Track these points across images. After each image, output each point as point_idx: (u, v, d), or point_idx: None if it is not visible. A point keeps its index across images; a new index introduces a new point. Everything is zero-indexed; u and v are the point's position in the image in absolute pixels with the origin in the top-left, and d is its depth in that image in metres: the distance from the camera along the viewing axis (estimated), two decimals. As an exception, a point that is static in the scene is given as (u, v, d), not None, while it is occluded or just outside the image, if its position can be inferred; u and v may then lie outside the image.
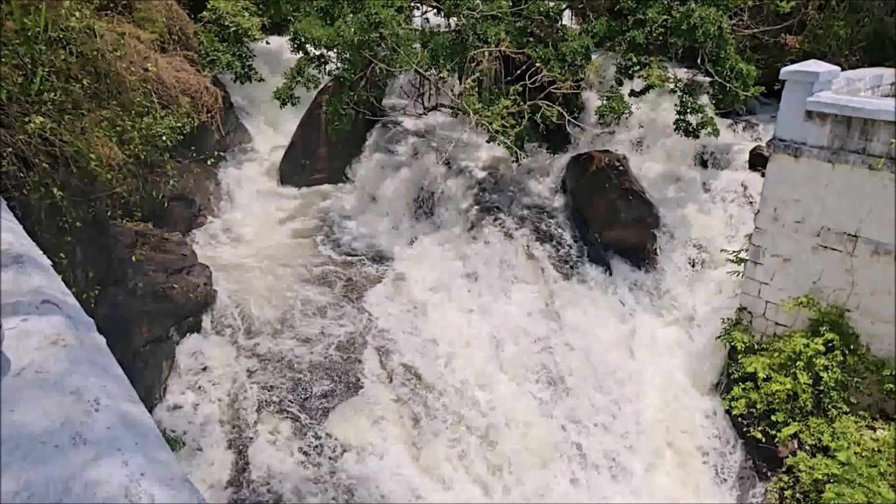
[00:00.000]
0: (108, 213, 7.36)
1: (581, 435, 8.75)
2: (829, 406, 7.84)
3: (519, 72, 11.27)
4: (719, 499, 8.31)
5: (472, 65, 10.61)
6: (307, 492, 7.41)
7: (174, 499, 1.96)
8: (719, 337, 9.17)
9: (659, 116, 12.34)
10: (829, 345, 7.91)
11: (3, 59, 5.25)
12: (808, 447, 7.77)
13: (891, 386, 7.66)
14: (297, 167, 13.55)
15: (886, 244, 7.57)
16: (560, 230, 11.35)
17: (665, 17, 9.92)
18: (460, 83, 11.18)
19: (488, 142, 11.08)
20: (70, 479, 1.99)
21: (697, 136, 10.74)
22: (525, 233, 11.11)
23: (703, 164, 11.64)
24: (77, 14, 6.22)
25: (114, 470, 2.02)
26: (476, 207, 11.64)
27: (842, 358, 7.84)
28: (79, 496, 1.93)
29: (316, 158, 13.48)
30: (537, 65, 10.70)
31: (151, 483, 1.99)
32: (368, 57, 10.67)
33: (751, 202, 10.63)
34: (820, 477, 7.32)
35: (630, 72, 10.69)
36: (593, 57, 11.28)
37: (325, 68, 11.48)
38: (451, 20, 11.81)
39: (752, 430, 8.30)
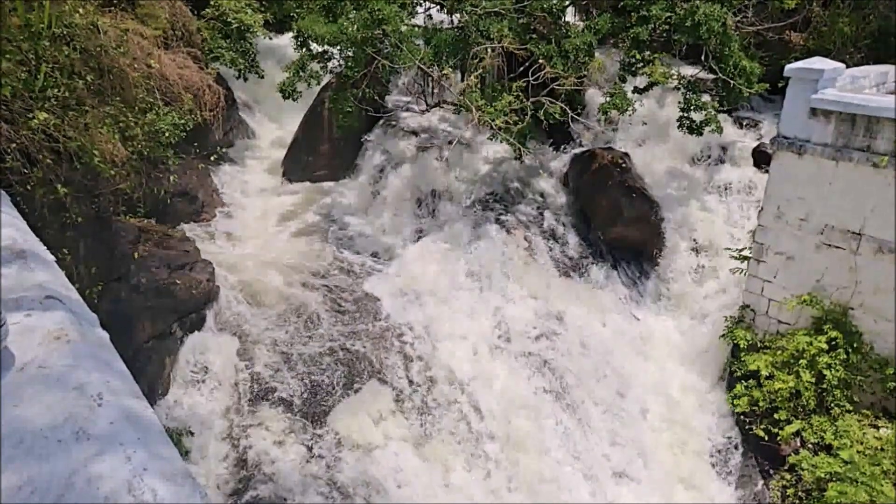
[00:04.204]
0: (112, 210, 7.37)
1: (583, 432, 8.75)
2: (832, 404, 7.82)
3: (522, 68, 11.24)
4: (721, 497, 8.31)
5: (475, 61, 10.58)
6: (308, 488, 7.42)
7: (177, 494, 1.97)
8: (722, 335, 9.15)
9: (662, 113, 12.31)
10: (832, 343, 7.89)
11: (7, 55, 5.26)
12: (810, 445, 7.76)
13: (894, 384, 7.63)
14: (300, 164, 13.55)
15: (890, 242, 7.55)
16: (563, 228, 11.34)
17: (669, 13, 9.88)
18: (463, 80, 11.15)
19: (491, 139, 11.06)
20: (73, 474, 1.99)
21: (701, 134, 10.70)
22: (528, 230, 11.10)
23: (707, 161, 11.61)
24: (81, 10, 6.23)
25: (117, 465, 2.03)
26: (478, 205, 11.63)
27: (845, 356, 7.81)
28: (81, 491, 1.94)
29: (318, 155, 13.48)
30: (540, 61, 10.66)
31: (154, 478, 1.99)
32: (371, 54, 10.66)
33: (753, 199, 10.60)
34: (822, 475, 7.31)
35: (633, 69, 10.66)
36: (596, 54, 11.24)
37: (327, 65, 11.47)
38: (453, 17, 11.79)
39: (754, 427, 8.29)
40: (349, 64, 10.91)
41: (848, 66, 8.56)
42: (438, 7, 12.32)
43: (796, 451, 7.81)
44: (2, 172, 5.03)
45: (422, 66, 10.82)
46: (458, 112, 12.38)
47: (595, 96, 12.57)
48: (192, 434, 7.65)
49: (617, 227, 11.03)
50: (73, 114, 5.74)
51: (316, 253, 11.03)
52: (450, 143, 11.80)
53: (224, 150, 13.04)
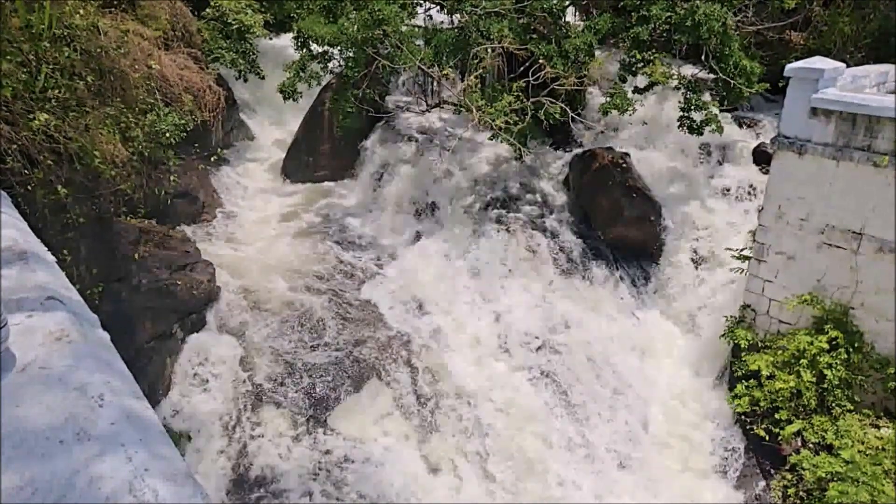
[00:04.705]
0: (112, 210, 7.38)
1: (584, 431, 8.74)
2: (833, 404, 7.81)
3: (522, 69, 11.24)
4: (723, 497, 8.30)
5: (475, 62, 10.59)
6: (309, 487, 7.42)
7: (178, 494, 1.97)
8: (723, 334, 9.15)
9: (662, 113, 12.30)
10: (833, 343, 7.89)
11: (7, 57, 5.26)
12: (811, 445, 7.75)
13: (894, 384, 7.63)
14: (300, 164, 13.56)
15: (890, 242, 7.54)
16: (563, 228, 11.34)
17: (669, 13, 9.88)
18: (463, 80, 11.16)
19: (491, 139, 11.07)
20: (74, 475, 2.00)
21: (701, 134, 10.70)
22: (528, 230, 11.10)
23: (707, 161, 11.60)
24: (81, 11, 6.24)
25: (118, 465, 2.03)
26: (479, 205, 11.63)
27: (846, 356, 7.81)
28: (83, 491, 1.94)
29: (319, 155, 13.49)
30: (540, 61, 10.67)
31: (155, 478, 2.00)
32: (371, 54, 10.67)
33: (754, 199, 10.60)
34: (823, 475, 7.30)
35: (633, 68, 10.65)
36: (597, 54, 11.24)
37: (328, 66, 11.48)
38: (453, 17, 11.80)
39: (755, 427, 8.28)
40: (349, 64, 10.92)
41: (848, 66, 8.55)
42: (438, 7, 12.33)
43: (797, 451, 7.80)
44: (3, 173, 5.03)
45: (422, 66, 10.83)
46: (458, 112, 12.39)
47: (595, 96, 12.58)
48: (191, 434, 7.65)
49: (617, 227, 11.03)
50: (73, 115, 5.75)
51: (317, 254, 11.03)
52: (450, 143, 11.80)
53: (224, 150, 13.06)
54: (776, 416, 8.05)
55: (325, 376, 8.51)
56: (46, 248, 3.83)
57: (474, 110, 10.11)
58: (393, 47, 10.47)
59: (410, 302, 10.11)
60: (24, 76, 5.39)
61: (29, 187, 5.23)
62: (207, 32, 12.43)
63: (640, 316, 10.55)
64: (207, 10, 12.67)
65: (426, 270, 10.76)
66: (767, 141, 10.67)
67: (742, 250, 9.38)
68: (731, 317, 9.21)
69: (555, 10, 10.83)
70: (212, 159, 11.52)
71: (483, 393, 8.84)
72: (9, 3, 5.50)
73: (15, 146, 5.13)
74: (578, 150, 12.36)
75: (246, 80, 13.42)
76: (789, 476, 7.81)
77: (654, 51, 10.45)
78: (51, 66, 5.63)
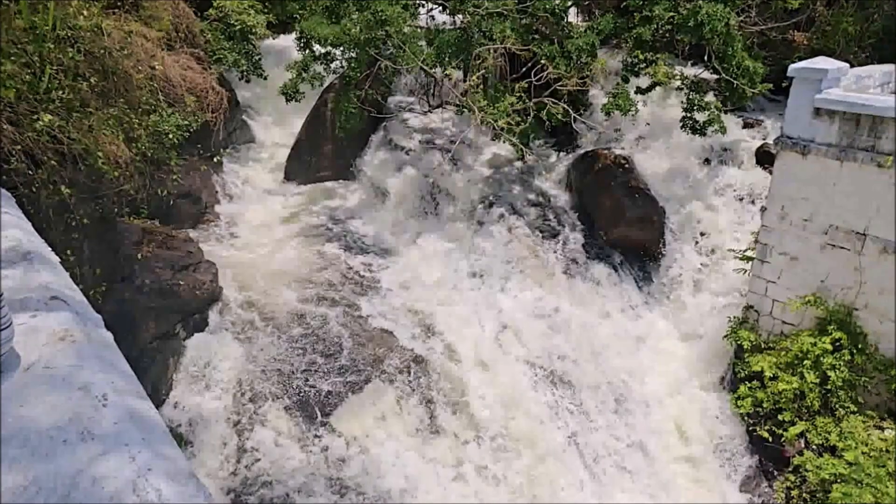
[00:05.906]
0: (116, 211, 7.40)
1: (587, 432, 8.73)
2: (837, 405, 7.79)
3: (524, 69, 11.25)
4: (725, 498, 8.28)
5: (478, 62, 10.59)
6: (311, 488, 7.43)
7: (181, 494, 1.98)
8: (726, 335, 9.13)
9: (665, 114, 12.29)
10: (837, 344, 7.86)
11: (11, 58, 5.28)
12: (815, 447, 7.73)
13: (899, 385, 7.61)
14: (303, 164, 13.57)
15: (894, 243, 7.52)
16: (565, 228, 11.33)
17: (672, 13, 9.87)
18: (465, 81, 11.17)
19: (494, 139, 11.07)
20: (78, 474, 2.00)
21: (704, 134, 10.68)
22: (530, 231, 11.09)
23: (710, 161, 11.58)
24: (85, 12, 6.26)
25: (121, 465, 2.04)
26: (481, 205, 11.63)
27: (849, 357, 7.79)
28: (86, 491, 1.94)
29: (321, 156, 13.50)
30: (543, 62, 10.67)
31: (158, 478, 2.00)
32: (374, 55, 10.68)
33: (757, 200, 10.58)
34: (827, 477, 7.28)
35: (636, 69, 10.65)
36: (599, 54, 11.24)
37: (330, 66, 11.50)
38: (456, 17, 11.80)
39: (758, 429, 8.27)
40: (352, 65, 10.94)
41: (852, 66, 8.53)
42: (441, 8, 12.34)
43: (800, 453, 7.78)
44: (7, 174, 5.05)
45: (424, 67, 10.84)
46: (460, 113, 12.39)
47: (598, 97, 12.56)
48: (194, 434, 7.66)
49: (620, 228, 11.01)
50: (77, 115, 5.77)
51: (319, 252, 11.04)
52: (452, 143, 11.81)
53: (227, 151, 13.08)
54: (779, 417, 8.03)
55: (326, 374, 8.51)
56: (50, 249, 3.85)
57: (476, 111, 10.12)
58: (395, 48, 10.48)
59: (412, 301, 10.06)
60: (28, 77, 5.40)
61: (33, 188, 5.25)
62: (210, 33, 12.46)
63: (641, 315, 10.53)
64: (210, 10, 12.71)
65: (428, 270, 10.75)
66: (771, 141, 10.64)
67: (745, 251, 9.36)
68: (735, 317, 9.19)
69: (557, 10, 10.83)
70: (214, 160, 11.54)
71: (483, 390, 8.72)
72: (13, 4, 5.52)
73: (19, 147, 5.14)
74: (581, 151, 12.36)
75: (248, 81, 13.45)
76: (793, 477, 7.79)
77: (656, 51, 10.44)
78: (55, 68, 5.65)
